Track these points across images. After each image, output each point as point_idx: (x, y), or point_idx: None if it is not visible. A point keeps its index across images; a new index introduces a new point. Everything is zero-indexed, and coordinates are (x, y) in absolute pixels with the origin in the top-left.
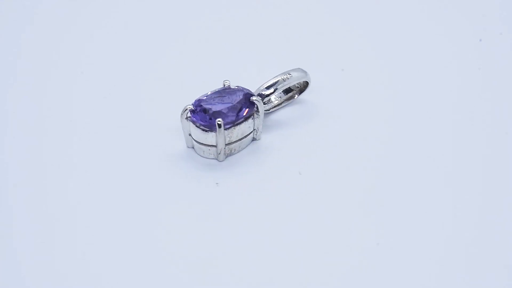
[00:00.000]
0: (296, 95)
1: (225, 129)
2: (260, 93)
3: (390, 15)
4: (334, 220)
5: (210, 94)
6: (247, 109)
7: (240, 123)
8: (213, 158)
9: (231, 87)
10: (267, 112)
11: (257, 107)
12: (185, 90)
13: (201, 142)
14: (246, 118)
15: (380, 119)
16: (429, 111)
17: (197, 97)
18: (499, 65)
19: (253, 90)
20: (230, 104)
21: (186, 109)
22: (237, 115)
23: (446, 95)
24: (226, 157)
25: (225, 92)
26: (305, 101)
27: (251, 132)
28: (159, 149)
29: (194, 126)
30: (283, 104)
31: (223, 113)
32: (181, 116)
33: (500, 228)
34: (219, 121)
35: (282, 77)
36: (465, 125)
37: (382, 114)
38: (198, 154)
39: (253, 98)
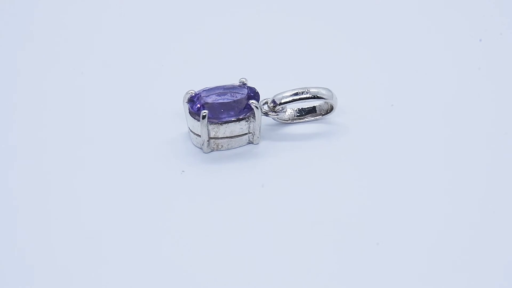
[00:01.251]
0: (320, 115)
1: (211, 123)
2: (274, 100)
3: (389, 15)
4: (324, 224)
5: (216, 87)
6: (243, 110)
7: (229, 122)
8: (200, 148)
9: (246, 85)
10: (285, 123)
11: (253, 112)
12: (208, 83)
13: (191, 129)
14: (239, 119)
15: (380, 120)
16: (428, 110)
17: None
18: (499, 65)
19: (271, 95)
20: (226, 101)
21: (188, 93)
22: (230, 113)
23: (446, 95)
24: (211, 151)
25: (232, 88)
26: (331, 121)
27: (245, 134)
28: (162, 131)
29: (188, 112)
30: (305, 119)
31: (214, 107)
32: (183, 98)
33: (500, 229)
34: (204, 112)
35: (301, 90)
36: (465, 125)
37: (382, 116)
38: (190, 139)
39: (251, 101)
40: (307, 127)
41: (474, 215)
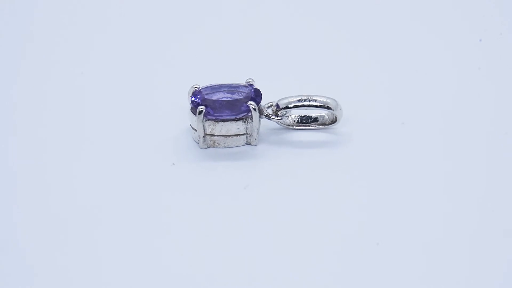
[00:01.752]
0: (324, 125)
1: (208, 119)
2: (278, 103)
3: (390, 16)
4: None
5: (221, 84)
6: (242, 111)
7: (225, 120)
8: (197, 143)
9: (252, 86)
10: (288, 128)
11: (250, 113)
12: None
13: (190, 123)
14: (236, 119)
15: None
16: (429, 111)
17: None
18: (499, 65)
19: (276, 99)
20: (226, 99)
21: (192, 87)
22: (228, 112)
23: (446, 95)
24: (208, 147)
25: (236, 87)
26: (335, 130)
27: (243, 134)
28: (167, 124)
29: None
30: (309, 127)
31: (213, 104)
32: (188, 92)
33: (500, 229)
34: (200, 108)
35: (306, 98)
36: (465, 125)
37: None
38: (191, 134)
39: (250, 102)
40: (311, 134)
41: (474, 215)
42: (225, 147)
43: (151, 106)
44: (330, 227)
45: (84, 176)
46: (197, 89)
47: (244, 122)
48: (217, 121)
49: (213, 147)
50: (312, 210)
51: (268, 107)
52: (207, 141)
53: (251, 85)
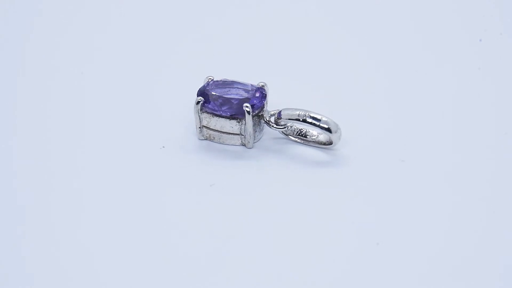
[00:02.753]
0: (319, 143)
1: (205, 112)
2: (280, 112)
3: (388, 15)
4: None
5: (233, 81)
6: (239, 111)
7: (220, 116)
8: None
9: (262, 89)
10: (286, 138)
11: (244, 115)
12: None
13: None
14: (230, 117)
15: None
16: (428, 109)
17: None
18: (499, 65)
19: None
20: (227, 96)
21: (207, 78)
22: (225, 109)
23: (446, 95)
24: (205, 139)
25: (244, 86)
26: (336, 151)
27: (237, 134)
28: (169, 121)
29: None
30: (306, 142)
31: (214, 98)
32: (203, 82)
33: (500, 230)
34: (199, 99)
35: (306, 113)
36: (465, 125)
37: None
38: None
39: (245, 105)
40: (312, 152)
41: (474, 215)
42: (220, 143)
43: (152, 101)
44: (313, 231)
45: (82, 168)
46: (210, 80)
47: (239, 122)
48: (212, 116)
49: (210, 140)
50: (291, 217)
51: (272, 115)
52: (204, 133)
53: (262, 88)
